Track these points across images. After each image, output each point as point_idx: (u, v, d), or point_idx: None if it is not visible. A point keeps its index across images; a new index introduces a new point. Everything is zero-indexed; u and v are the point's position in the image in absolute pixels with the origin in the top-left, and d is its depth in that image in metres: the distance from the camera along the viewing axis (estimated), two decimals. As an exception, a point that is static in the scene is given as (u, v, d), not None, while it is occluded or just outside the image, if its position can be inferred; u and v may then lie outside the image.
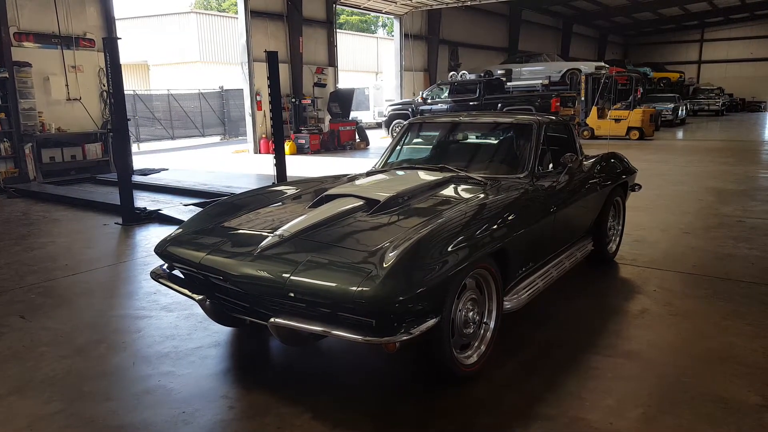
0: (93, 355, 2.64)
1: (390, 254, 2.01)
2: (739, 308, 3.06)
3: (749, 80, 30.76)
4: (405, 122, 3.76)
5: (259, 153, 12.62)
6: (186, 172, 9.60)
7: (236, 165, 10.83)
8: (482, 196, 2.65)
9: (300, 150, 12.59)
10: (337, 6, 15.03)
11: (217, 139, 18.16)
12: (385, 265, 1.97)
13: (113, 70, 5.22)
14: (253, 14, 12.28)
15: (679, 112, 18.62)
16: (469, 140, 3.58)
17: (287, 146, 12.32)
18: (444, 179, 2.92)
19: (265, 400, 2.18)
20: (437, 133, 3.70)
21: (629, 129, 13.82)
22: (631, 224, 4.74)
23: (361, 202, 2.59)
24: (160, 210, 5.68)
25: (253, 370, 2.46)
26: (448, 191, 2.80)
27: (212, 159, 12.22)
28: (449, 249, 2.11)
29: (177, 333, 2.84)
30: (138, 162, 10.51)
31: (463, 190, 2.82)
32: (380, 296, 1.89)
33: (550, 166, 3.24)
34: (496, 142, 3.45)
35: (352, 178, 3.26)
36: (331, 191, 2.79)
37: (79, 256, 4.43)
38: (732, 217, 5.28)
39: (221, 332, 2.81)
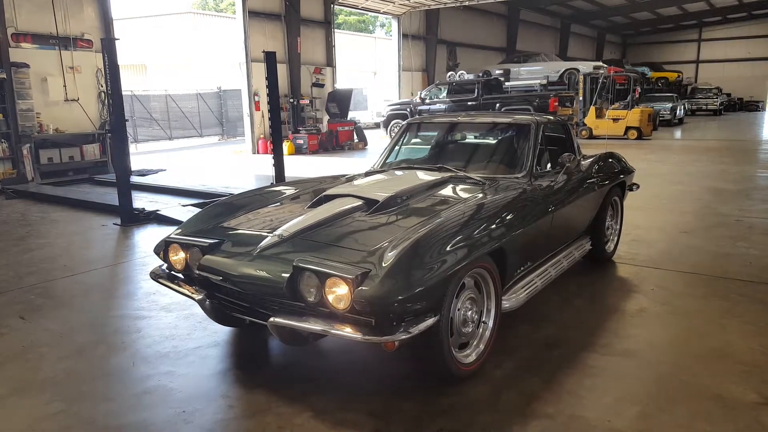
0: (93, 355, 2.64)
1: (389, 254, 2.02)
2: (737, 307, 3.08)
3: (747, 80, 30.84)
4: (403, 122, 3.77)
5: (258, 153, 12.62)
6: (184, 172, 9.59)
7: (234, 165, 10.83)
8: (480, 195, 2.66)
9: (298, 150, 12.59)
10: (335, 6, 15.04)
11: (215, 139, 18.15)
12: (384, 265, 1.98)
13: (111, 70, 5.21)
14: (251, 14, 12.28)
15: (677, 111, 18.67)
16: (467, 140, 3.59)
17: (285, 147, 12.32)
18: (442, 179, 2.93)
19: (265, 400, 2.19)
20: (435, 133, 3.71)
21: (627, 129, 13.85)
22: (630, 224, 4.76)
23: (360, 202, 2.60)
24: (158, 210, 5.68)
25: (252, 370, 2.47)
26: (447, 191, 2.81)
27: (210, 159, 12.21)
28: (448, 248, 2.12)
29: (176, 333, 2.85)
30: (136, 162, 10.48)
31: (461, 190, 2.83)
32: (379, 295, 1.90)
33: (548, 165, 3.25)
34: (494, 142, 3.46)
35: (351, 178, 3.27)
36: (330, 191, 2.80)
37: (77, 256, 4.43)
38: (730, 216, 5.30)
39: (221, 332, 2.82)
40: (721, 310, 3.05)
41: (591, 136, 14.04)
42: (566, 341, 2.67)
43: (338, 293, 1.97)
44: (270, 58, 6.30)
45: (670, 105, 18.37)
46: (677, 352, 2.56)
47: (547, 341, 2.68)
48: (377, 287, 1.91)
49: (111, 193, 6.61)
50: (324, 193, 2.78)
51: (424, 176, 3.00)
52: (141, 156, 13.14)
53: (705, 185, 7.05)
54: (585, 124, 14.25)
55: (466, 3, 16.30)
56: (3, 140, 8.18)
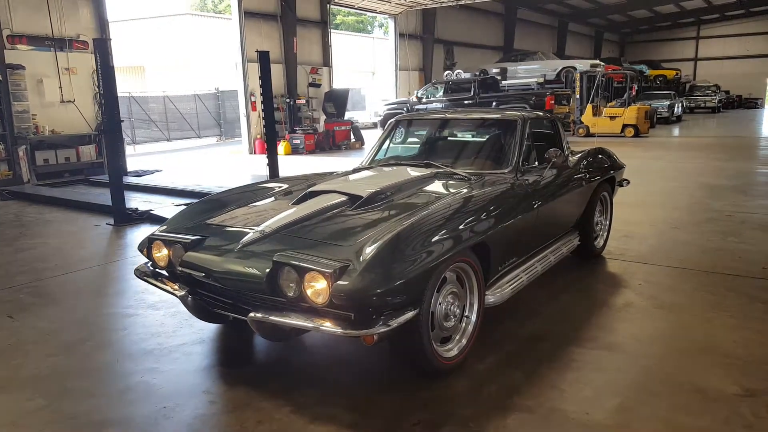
0: (79, 352, 2.65)
1: (368, 248, 2.03)
2: (723, 301, 3.08)
3: (745, 77, 30.79)
4: (392, 119, 3.78)
5: (254, 153, 12.63)
6: (180, 173, 9.61)
7: (231, 165, 10.84)
8: (464, 191, 2.66)
9: (295, 150, 12.62)
10: (332, 6, 15.05)
11: (213, 140, 18.17)
12: (362, 259, 1.98)
13: (104, 71, 5.23)
14: (247, 15, 12.30)
15: (675, 109, 18.66)
16: (454, 137, 3.59)
17: (282, 147, 12.36)
18: (428, 175, 2.94)
19: (247, 395, 2.20)
20: (424, 130, 3.72)
21: (624, 126, 13.85)
22: (621, 220, 4.76)
23: (345, 198, 2.61)
24: (151, 210, 5.70)
25: (236, 366, 2.48)
26: (432, 187, 2.81)
27: (207, 160, 12.24)
28: (428, 242, 2.12)
29: (162, 330, 2.85)
30: (133, 163, 10.54)
31: (446, 185, 2.83)
32: (357, 289, 1.90)
33: (536, 162, 3.25)
34: (480, 138, 3.46)
35: (338, 175, 3.28)
36: (315, 187, 2.80)
37: (69, 256, 4.44)
38: (722, 212, 5.30)
39: (206, 329, 2.82)
40: (707, 304, 3.05)
41: (588, 134, 14.03)
42: (551, 336, 2.67)
43: (317, 288, 1.98)
44: (264, 58, 6.29)
45: (667, 102, 18.36)
46: (661, 346, 2.56)
47: (532, 336, 2.68)
48: (355, 281, 1.91)
49: (106, 194, 6.61)
50: (309, 189, 2.78)
51: (410, 172, 3.01)
52: (139, 157, 13.16)
53: (699, 181, 7.04)
54: (582, 122, 14.25)
55: (462, 2, 16.30)
56: (-1, 142, 8.20)
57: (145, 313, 3.11)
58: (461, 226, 2.30)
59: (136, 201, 6.55)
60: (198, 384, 2.30)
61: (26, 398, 2.23)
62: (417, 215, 2.25)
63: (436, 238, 2.16)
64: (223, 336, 2.79)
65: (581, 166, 3.61)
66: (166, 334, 2.80)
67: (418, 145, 3.63)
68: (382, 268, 1.97)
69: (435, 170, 3.01)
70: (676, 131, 15.89)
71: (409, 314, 2.01)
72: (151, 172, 9.51)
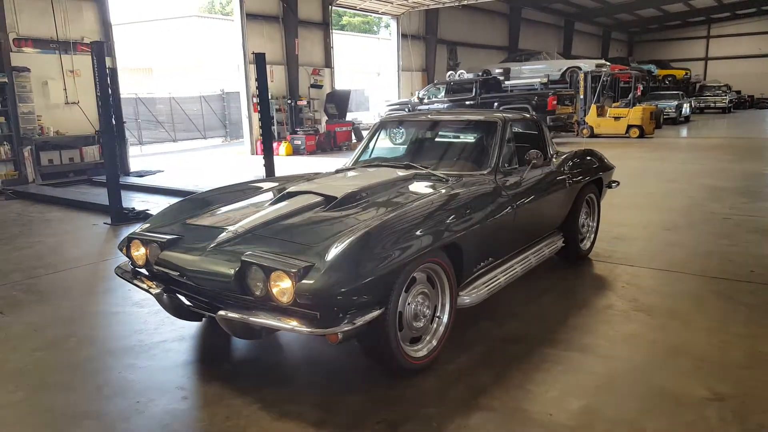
0: (62, 348, 2.72)
1: (333, 248, 2.06)
2: (706, 304, 3.06)
3: (757, 77, 30.24)
4: (377, 121, 3.81)
5: (256, 154, 12.72)
6: (182, 173, 9.73)
7: (232, 166, 10.95)
8: (440, 192, 2.68)
9: (296, 151, 12.70)
10: (333, 7, 15.13)
11: (218, 141, 18.34)
12: (326, 259, 2.01)
13: (100, 73, 5.34)
14: (249, 17, 12.42)
15: (683, 109, 18.42)
16: (437, 138, 3.61)
17: (284, 147, 12.46)
18: (406, 176, 2.96)
19: (219, 392, 2.24)
20: (408, 132, 3.74)
21: (629, 127, 13.72)
22: (614, 222, 4.74)
23: (320, 199, 2.64)
24: (147, 210, 5.79)
25: (212, 363, 2.52)
26: (408, 188, 2.83)
27: (210, 161, 12.37)
28: (396, 242, 2.15)
29: (145, 327, 2.91)
30: (138, 164, 10.70)
31: (423, 186, 2.85)
32: (320, 288, 1.94)
33: (517, 163, 3.25)
34: (462, 139, 3.48)
35: (322, 176, 3.31)
36: (292, 188, 2.85)
37: (64, 254, 4.54)
38: (719, 214, 5.24)
39: (187, 327, 2.87)
40: (689, 306, 3.03)
41: (592, 135, 13.92)
42: (526, 337, 2.67)
43: (282, 287, 2.01)
44: (259, 60, 6.36)
45: (675, 103, 18.14)
46: (636, 349, 2.55)
47: (507, 337, 2.69)
48: (318, 280, 1.95)
49: (106, 194, 6.74)
50: (287, 190, 2.83)
51: (389, 174, 3.03)
52: (145, 157, 13.34)
53: (700, 183, 6.96)
54: (586, 123, 14.14)
55: (465, 2, 16.27)
56: (5, 143, 8.39)
57: (130, 311, 3.17)
58: (430, 227, 2.32)
59: (135, 201, 6.66)
60: (173, 380, 2.35)
61: (7, 391, 2.30)
62: (385, 216, 2.28)
63: (404, 238, 2.18)
64: (203, 334, 2.84)
65: (565, 168, 3.60)
66: (148, 332, 2.86)
67: (403, 146, 3.65)
68: (346, 268, 2.00)
69: (413, 172, 3.04)
70: (683, 132, 15.69)
71: (375, 313, 2.04)
72: (154, 173, 9.65)
